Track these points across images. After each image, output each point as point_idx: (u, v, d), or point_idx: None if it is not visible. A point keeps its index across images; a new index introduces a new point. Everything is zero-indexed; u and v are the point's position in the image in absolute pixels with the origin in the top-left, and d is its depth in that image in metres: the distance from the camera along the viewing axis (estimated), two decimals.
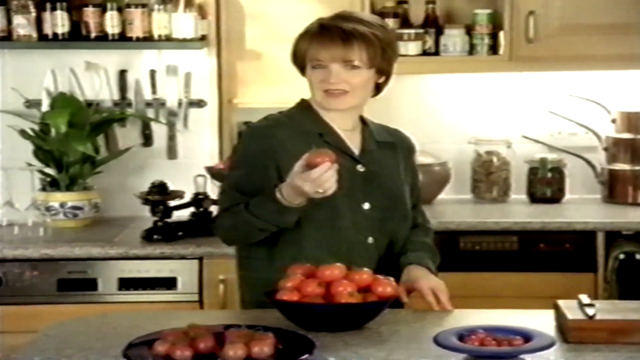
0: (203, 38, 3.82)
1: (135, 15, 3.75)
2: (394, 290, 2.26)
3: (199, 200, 3.52)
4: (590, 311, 2.13)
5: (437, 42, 3.96)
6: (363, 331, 2.20)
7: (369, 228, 2.49)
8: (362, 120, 2.61)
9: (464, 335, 2.04)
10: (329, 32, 2.45)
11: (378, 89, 2.57)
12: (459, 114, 4.15)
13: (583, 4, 3.82)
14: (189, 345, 1.98)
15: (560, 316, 2.16)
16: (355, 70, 2.45)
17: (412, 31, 3.96)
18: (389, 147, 2.60)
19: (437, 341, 2.03)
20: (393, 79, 2.58)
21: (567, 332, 2.09)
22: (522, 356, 1.97)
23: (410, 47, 3.94)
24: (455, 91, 4.18)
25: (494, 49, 3.92)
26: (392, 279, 2.29)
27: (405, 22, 4.04)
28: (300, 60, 2.52)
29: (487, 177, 4.08)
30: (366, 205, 2.49)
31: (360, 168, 2.52)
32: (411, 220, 2.61)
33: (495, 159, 4.08)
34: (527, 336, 2.03)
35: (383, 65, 2.51)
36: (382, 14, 4.02)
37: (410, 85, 4.18)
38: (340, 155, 2.39)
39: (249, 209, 2.39)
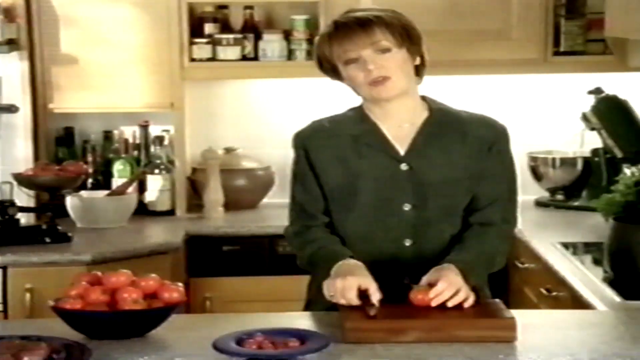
0: (12, 42, 3.71)
1: None
2: (180, 297, 2.24)
3: (4, 207, 3.41)
4: (371, 311, 2.16)
5: (256, 48, 3.96)
6: (148, 338, 2.17)
7: (408, 230, 2.38)
8: (431, 111, 2.46)
9: (242, 339, 2.05)
10: (346, 25, 2.38)
11: (418, 73, 2.45)
12: (281, 119, 4.14)
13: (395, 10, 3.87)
14: None
15: (342, 317, 2.18)
16: (387, 54, 2.36)
17: (232, 36, 3.96)
18: (451, 138, 2.42)
19: (215, 346, 2.02)
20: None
21: (345, 332, 2.11)
22: (298, 357, 1.98)
23: (229, 52, 3.94)
24: (276, 96, 4.20)
25: (311, 54, 3.94)
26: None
27: (226, 27, 4.04)
28: (327, 64, 2.44)
29: None
30: (406, 207, 2.39)
31: (403, 167, 2.40)
32: (484, 217, 2.41)
33: None
34: (303, 338, 2.05)
35: (412, 45, 2.40)
36: (202, 19, 4.02)
37: (230, 90, 4.18)
38: (381, 156, 2.40)
39: (318, 260, 2.40)
